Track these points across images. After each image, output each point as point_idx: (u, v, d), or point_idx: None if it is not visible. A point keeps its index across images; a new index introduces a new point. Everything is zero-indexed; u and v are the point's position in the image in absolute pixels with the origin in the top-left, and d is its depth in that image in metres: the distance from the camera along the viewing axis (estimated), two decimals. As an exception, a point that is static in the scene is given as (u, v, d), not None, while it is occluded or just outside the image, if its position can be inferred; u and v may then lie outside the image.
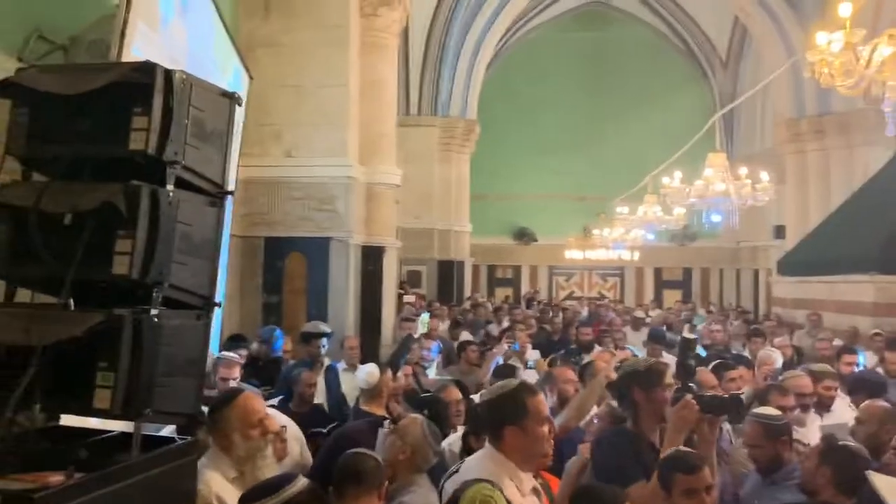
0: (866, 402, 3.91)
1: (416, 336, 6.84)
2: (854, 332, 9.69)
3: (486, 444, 2.62)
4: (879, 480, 2.29)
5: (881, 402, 3.83)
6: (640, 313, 11.98)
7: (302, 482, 2.16)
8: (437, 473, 3.12)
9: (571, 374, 4.93)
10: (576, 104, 20.85)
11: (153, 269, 2.06)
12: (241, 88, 6.54)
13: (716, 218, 10.14)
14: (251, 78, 6.87)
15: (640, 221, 15.32)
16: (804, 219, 14.48)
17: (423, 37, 15.12)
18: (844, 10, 3.94)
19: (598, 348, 7.78)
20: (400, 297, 11.02)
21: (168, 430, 2.68)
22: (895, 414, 3.65)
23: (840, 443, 2.91)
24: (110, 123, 2.14)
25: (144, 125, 2.10)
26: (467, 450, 3.35)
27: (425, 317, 7.16)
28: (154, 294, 2.08)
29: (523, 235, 21.60)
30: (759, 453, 3.27)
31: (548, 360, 7.41)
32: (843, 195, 13.25)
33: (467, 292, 16.59)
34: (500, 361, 6.63)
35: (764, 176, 9.92)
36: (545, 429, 2.53)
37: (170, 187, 2.13)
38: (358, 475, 2.56)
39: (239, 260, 7.33)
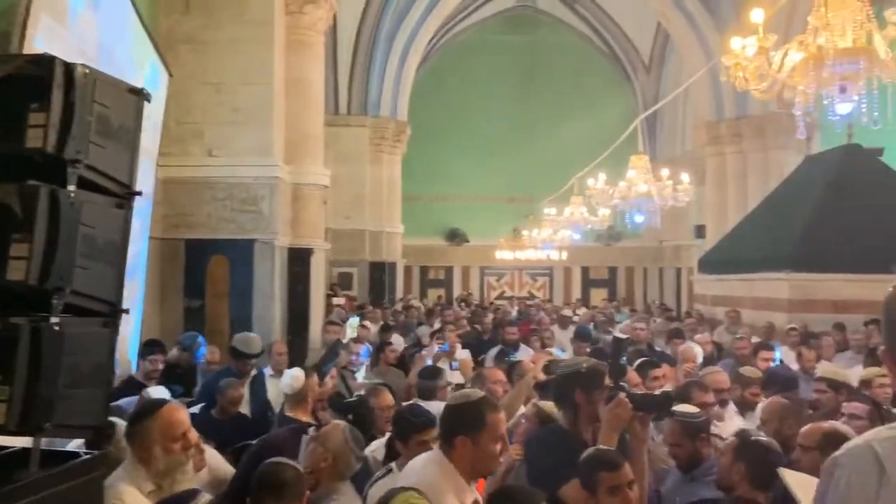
0: (768, 400, 4.02)
1: (344, 341, 6.73)
2: (770, 327, 10.06)
3: (436, 447, 2.59)
4: (790, 476, 2.35)
5: (780, 399, 3.95)
6: (567, 312, 12.16)
7: (205, 498, 2.08)
8: (361, 480, 3.06)
9: (501, 375, 4.94)
10: (505, 106, 21.09)
11: (53, 274, 1.94)
12: (159, 85, 6.31)
13: (639, 218, 10.39)
14: (170, 74, 6.64)
15: (567, 222, 15.60)
16: (723, 219, 15.00)
17: (352, 36, 14.99)
18: (757, 16, 4.07)
19: (523, 347, 7.85)
20: (329, 299, 10.88)
21: (76, 444, 2.55)
22: (793, 409, 3.77)
23: (753, 438, 2.99)
24: (6, 119, 2.01)
25: (42, 121, 1.97)
26: (392, 456, 3.30)
27: (354, 321, 7.04)
28: (54, 301, 1.96)
29: (455, 236, 21.70)
30: (679, 451, 3.33)
31: (478, 359, 7.47)
32: (760, 196, 13.78)
33: (399, 294, 16.53)
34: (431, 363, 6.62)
35: (684, 177, 10.23)
36: (498, 447, 2.50)
37: (71, 188, 2.01)
38: (277, 486, 2.48)
39: (159, 263, 7.08)
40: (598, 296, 21.00)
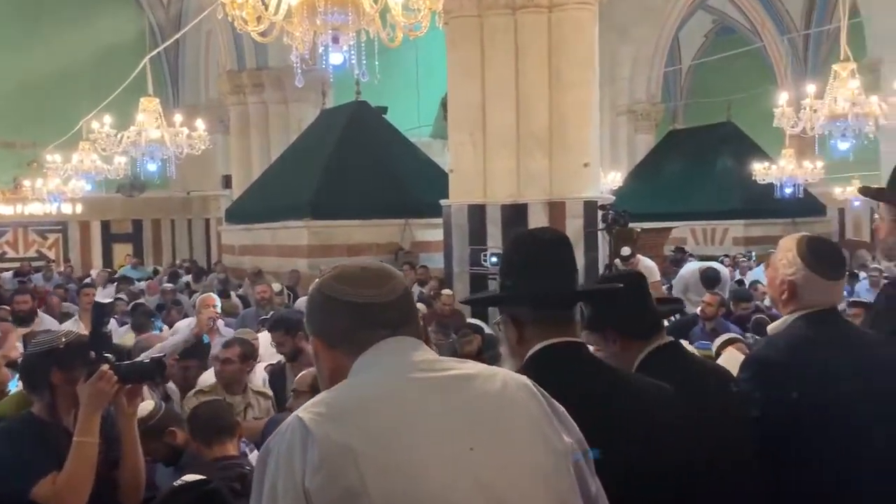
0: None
1: None
2: (297, 274, 10.50)
3: None
4: None
5: None
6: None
7: None
8: None
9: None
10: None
11: None
12: None
13: (152, 167, 9.64)
14: None
15: (77, 170, 13.79)
16: (248, 169, 15.18)
17: None
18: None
19: (43, 316, 6.72)
20: None
21: None
22: None
23: None
24: None
25: None
26: None
27: None
28: None
29: (-71, 188, 17.64)
30: None
31: None
32: (282, 146, 14.23)
33: None
34: None
35: (199, 124, 9.78)
36: None
37: None
38: None
39: None
40: (122, 252, 19.48)
